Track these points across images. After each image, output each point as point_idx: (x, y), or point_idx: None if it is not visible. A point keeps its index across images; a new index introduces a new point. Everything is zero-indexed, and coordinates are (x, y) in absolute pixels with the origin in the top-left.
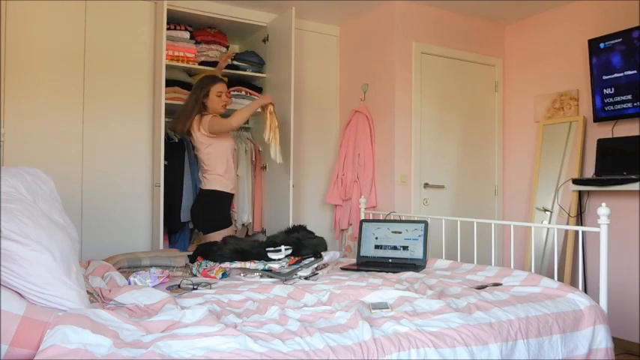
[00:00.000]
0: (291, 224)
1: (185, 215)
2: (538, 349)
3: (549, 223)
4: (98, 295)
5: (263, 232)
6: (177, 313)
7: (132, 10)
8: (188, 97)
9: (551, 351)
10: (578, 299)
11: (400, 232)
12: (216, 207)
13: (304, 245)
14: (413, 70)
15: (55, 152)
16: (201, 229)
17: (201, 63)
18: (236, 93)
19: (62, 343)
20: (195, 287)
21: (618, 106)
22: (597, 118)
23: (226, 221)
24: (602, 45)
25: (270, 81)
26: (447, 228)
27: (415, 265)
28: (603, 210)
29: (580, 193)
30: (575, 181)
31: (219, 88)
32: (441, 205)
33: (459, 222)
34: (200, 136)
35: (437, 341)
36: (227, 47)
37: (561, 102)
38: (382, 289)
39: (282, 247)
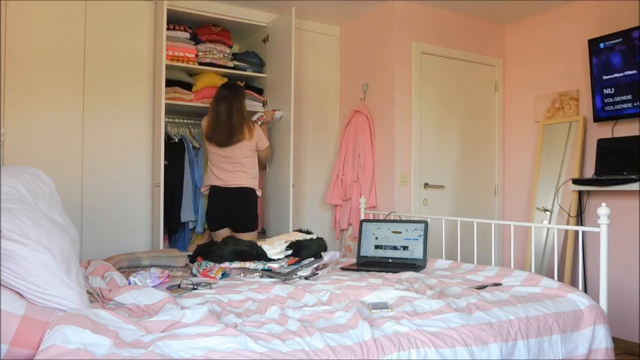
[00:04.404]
0: (291, 224)
1: (185, 215)
2: (538, 349)
3: (549, 223)
4: (98, 295)
5: (263, 232)
6: (177, 313)
7: (132, 10)
8: (226, 106)
9: (551, 351)
10: (578, 299)
11: (400, 232)
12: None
13: (304, 246)
14: (413, 70)
15: (55, 152)
16: (253, 228)
17: (205, 64)
18: None
19: (62, 343)
20: (195, 287)
21: (618, 106)
22: (597, 118)
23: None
24: (602, 45)
25: (270, 81)
26: (447, 228)
27: (415, 265)
28: (603, 210)
29: (580, 193)
30: (575, 181)
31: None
32: (441, 205)
33: (458, 222)
34: (251, 144)
35: (437, 341)
36: (231, 47)
37: (561, 102)
38: (382, 289)
39: (280, 244)
